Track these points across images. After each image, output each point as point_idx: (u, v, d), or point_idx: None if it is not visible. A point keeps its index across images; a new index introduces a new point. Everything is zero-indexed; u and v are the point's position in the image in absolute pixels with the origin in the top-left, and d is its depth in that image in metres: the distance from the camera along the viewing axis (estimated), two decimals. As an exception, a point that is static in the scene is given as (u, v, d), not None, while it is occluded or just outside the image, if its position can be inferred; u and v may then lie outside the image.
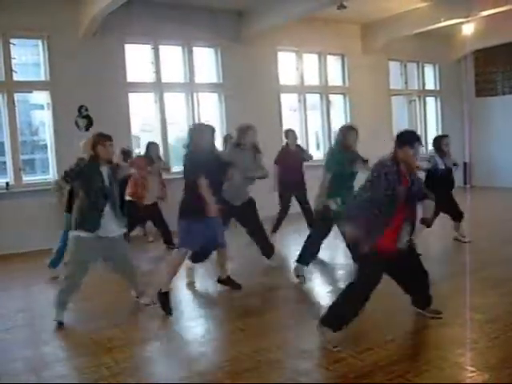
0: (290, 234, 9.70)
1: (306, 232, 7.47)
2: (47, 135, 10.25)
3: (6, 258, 8.72)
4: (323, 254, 7.47)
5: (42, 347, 5.07)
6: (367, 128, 12.80)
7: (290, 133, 9.57)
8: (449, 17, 12.16)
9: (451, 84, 16.08)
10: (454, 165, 8.52)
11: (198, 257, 6.87)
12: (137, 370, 4.39)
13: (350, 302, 4.66)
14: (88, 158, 5.60)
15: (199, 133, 6.04)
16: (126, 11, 9.68)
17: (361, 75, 13.83)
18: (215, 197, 5.90)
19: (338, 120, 13.76)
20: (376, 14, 12.73)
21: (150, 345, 5.00)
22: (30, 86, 10.18)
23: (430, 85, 15.93)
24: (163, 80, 11.21)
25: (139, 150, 10.85)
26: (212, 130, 6.14)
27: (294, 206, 9.38)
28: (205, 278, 7.11)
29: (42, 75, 10.03)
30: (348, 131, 6.74)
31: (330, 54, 13.57)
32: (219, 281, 6.60)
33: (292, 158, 9.26)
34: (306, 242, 7.00)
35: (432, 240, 8.90)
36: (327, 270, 7.67)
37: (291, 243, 9.23)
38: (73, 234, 5.61)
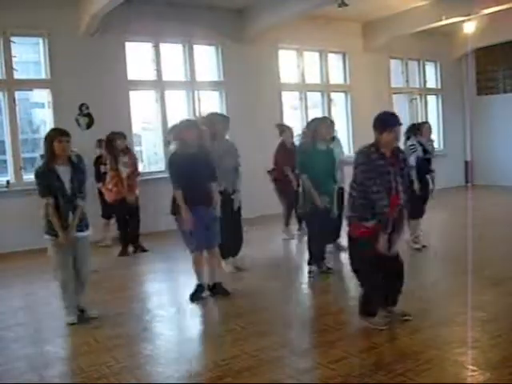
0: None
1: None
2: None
3: (6, 257, 8.71)
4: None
5: (44, 346, 5.06)
6: (369, 126, 12.78)
7: (286, 129, 9.44)
8: (450, 15, 12.14)
9: (452, 82, 16.06)
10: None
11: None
12: (137, 368, 4.39)
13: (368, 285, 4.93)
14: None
15: (183, 130, 5.99)
16: (126, 9, 9.66)
17: (362, 73, 13.82)
18: (204, 192, 5.94)
19: (340, 118, 13.75)
20: (377, 12, 12.70)
21: (150, 343, 5.00)
22: (30, 84, 10.20)
23: (431, 83, 15.91)
24: (164, 78, 11.20)
25: (140, 147, 10.86)
26: (196, 125, 6.11)
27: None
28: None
29: (42, 73, 10.02)
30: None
31: (331, 52, 13.56)
32: (209, 289, 6.29)
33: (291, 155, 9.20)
34: (308, 244, 7.04)
35: (432, 239, 8.88)
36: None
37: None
38: None
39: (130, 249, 8.93)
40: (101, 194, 9.09)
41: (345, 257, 7.90)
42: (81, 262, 5.62)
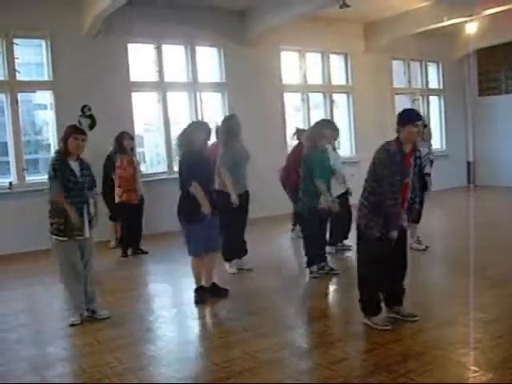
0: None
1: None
2: (50, 135, 10.26)
3: (9, 258, 8.73)
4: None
5: (46, 347, 5.08)
6: (371, 127, 12.83)
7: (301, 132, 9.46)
8: (452, 16, 12.13)
9: (454, 83, 16.05)
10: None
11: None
12: (140, 369, 4.40)
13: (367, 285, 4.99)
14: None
15: (194, 131, 6.02)
16: (128, 11, 9.67)
17: (364, 74, 13.82)
18: (210, 195, 5.99)
19: (342, 119, 13.77)
20: (379, 12, 12.70)
21: (153, 344, 5.01)
22: (33, 86, 10.21)
23: (434, 84, 15.90)
24: (166, 79, 11.22)
25: (143, 149, 10.86)
26: (208, 127, 6.18)
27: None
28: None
29: (45, 75, 10.04)
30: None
31: (333, 53, 13.55)
32: (207, 291, 6.30)
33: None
34: (305, 246, 7.10)
35: (434, 240, 8.88)
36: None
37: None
38: None
39: (130, 251, 8.92)
40: (106, 195, 9.07)
41: (347, 256, 7.96)
42: (87, 262, 5.66)
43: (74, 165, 5.54)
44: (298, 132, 9.26)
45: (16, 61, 9.64)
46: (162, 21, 10.59)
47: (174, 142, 10.60)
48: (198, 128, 6.10)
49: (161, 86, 11.16)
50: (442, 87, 15.98)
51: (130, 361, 4.56)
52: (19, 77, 9.72)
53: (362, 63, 13.82)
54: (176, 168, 10.22)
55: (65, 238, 5.45)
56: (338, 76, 13.82)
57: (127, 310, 5.98)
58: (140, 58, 11.07)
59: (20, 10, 9.34)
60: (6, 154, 9.89)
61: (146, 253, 8.87)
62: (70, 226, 5.43)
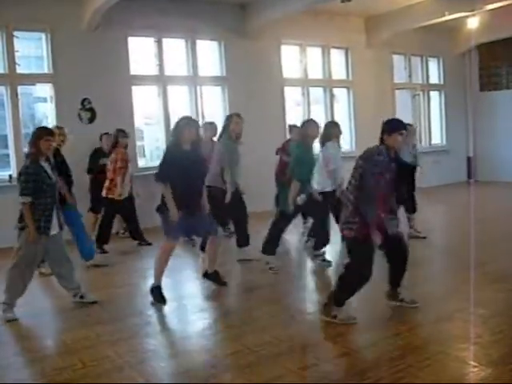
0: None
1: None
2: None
3: (8, 251, 8.70)
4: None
5: (44, 340, 5.09)
6: (371, 122, 12.79)
7: (294, 129, 9.51)
8: (453, 10, 12.12)
9: (455, 78, 16.02)
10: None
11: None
12: (140, 363, 4.40)
13: (348, 285, 5.02)
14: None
15: (179, 128, 5.92)
16: (129, 4, 9.66)
17: (364, 69, 13.80)
18: (198, 192, 5.96)
19: (342, 114, 13.76)
20: (380, 7, 12.68)
21: (153, 338, 5.01)
22: (33, 79, 10.19)
23: (434, 79, 15.88)
24: (166, 73, 11.20)
25: (142, 142, 10.85)
26: (196, 124, 6.06)
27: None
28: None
29: (45, 68, 10.02)
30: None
31: (333, 47, 13.53)
32: (205, 275, 6.41)
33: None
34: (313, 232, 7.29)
35: (434, 234, 8.89)
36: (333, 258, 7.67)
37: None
38: None
39: (135, 242, 9.01)
40: (92, 186, 9.10)
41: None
42: (61, 257, 5.80)
43: (46, 166, 5.62)
44: (290, 128, 9.33)
45: (16, 54, 9.62)
46: (163, 14, 10.56)
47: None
48: (187, 124, 5.95)
49: (161, 80, 11.14)
50: (442, 82, 15.95)
51: (130, 355, 4.56)
52: (19, 70, 9.70)
53: (362, 58, 13.79)
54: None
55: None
56: (339, 70, 13.80)
57: (126, 304, 5.98)
58: (140, 52, 11.06)
59: (20, 3, 9.32)
60: (6, 146, 9.88)
61: (149, 244, 8.84)
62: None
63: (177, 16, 10.75)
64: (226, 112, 11.71)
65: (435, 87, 15.87)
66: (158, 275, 5.97)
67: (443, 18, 12.35)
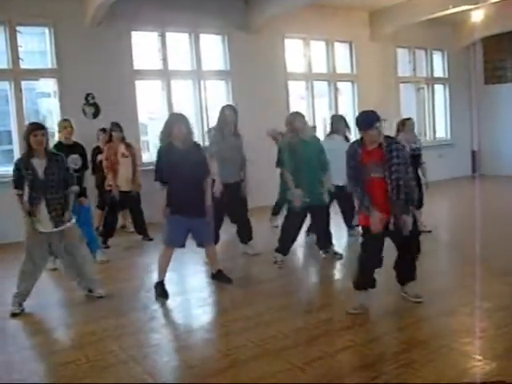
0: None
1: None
2: (54, 123, 10.24)
3: (14, 246, 8.72)
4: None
5: (50, 335, 5.10)
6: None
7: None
8: (458, 3, 12.05)
9: (460, 71, 15.96)
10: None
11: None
12: (144, 357, 4.40)
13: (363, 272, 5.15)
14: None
15: (168, 125, 5.83)
16: (132, -2, 9.65)
17: (369, 62, 13.75)
18: (195, 193, 5.83)
19: (346, 107, 13.73)
20: (384, 0, 12.63)
21: (157, 333, 5.02)
22: (36, 74, 10.18)
23: (439, 72, 15.81)
24: (170, 67, 11.18)
25: (146, 137, 10.85)
26: (186, 120, 5.89)
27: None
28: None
29: (48, 63, 10.01)
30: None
31: (337, 41, 13.49)
32: (212, 276, 6.42)
33: None
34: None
35: (439, 229, 8.87)
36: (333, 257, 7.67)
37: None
38: None
39: (139, 237, 8.99)
40: (97, 182, 9.08)
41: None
42: (64, 253, 5.79)
43: (39, 164, 5.56)
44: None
45: (19, 49, 9.62)
46: (166, 8, 10.54)
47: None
48: (178, 120, 5.85)
49: (165, 74, 11.12)
50: (447, 76, 15.89)
51: (134, 349, 4.57)
52: (23, 65, 9.70)
53: (366, 51, 13.74)
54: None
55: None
56: (343, 64, 13.76)
57: (131, 299, 5.98)
58: (144, 46, 11.04)
59: (23, -2, 9.33)
60: (10, 142, 9.89)
61: (151, 239, 8.84)
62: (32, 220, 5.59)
63: (180, 10, 10.73)
64: (229, 106, 11.72)
65: (439, 81, 15.81)
66: (161, 272, 5.99)
67: (448, 11, 12.29)
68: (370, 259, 5.08)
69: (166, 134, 5.81)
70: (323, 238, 7.17)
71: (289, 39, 12.63)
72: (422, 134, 15.34)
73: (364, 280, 5.15)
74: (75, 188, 5.85)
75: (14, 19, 9.46)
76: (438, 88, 15.84)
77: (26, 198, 5.56)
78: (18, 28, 9.56)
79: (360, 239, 5.32)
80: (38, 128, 5.62)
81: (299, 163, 6.66)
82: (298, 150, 6.67)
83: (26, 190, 5.55)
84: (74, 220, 5.79)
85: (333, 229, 7.40)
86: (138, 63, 10.76)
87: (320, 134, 13.14)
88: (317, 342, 4.57)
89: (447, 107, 15.93)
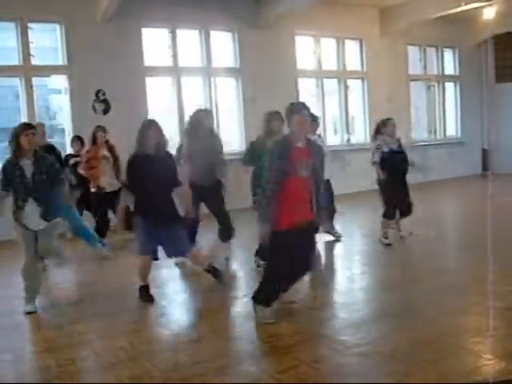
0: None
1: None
2: (65, 119, 10.29)
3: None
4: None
5: (61, 330, 5.10)
6: (385, 113, 12.72)
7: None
8: (470, 0, 11.98)
9: (471, 69, 15.89)
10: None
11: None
12: (153, 353, 4.41)
13: (271, 280, 4.90)
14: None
15: (141, 131, 5.71)
16: (143, -5, 9.66)
17: (379, 60, 13.71)
18: (165, 201, 5.69)
19: (356, 105, 13.70)
20: (395, -3, 12.60)
21: (166, 329, 5.03)
22: (47, 71, 10.25)
23: (450, 70, 15.74)
24: (180, 64, 11.20)
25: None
26: (156, 125, 5.80)
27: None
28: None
29: (59, 59, 10.06)
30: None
31: (347, 38, 13.46)
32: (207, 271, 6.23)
33: None
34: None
35: (449, 228, 8.84)
36: (345, 255, 7.67)
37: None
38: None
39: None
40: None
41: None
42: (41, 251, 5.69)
43: (27, 165, 5.50)
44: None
45: (31, 45, 9.66)
46: (177, 5, 10.54)
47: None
48: (149, 127, 5.74)
49: (175, 71, 11.14)
50: (458, 73, 15.82)
51: (144, 345, 4.58)
52: (34, 61, 9.75)
53: (377, 49, 13.71)
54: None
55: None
56: (353, 62, 13.73)
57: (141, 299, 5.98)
58: (154, 43, 11.06)
59: (35, -6, 9.36)
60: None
61: None
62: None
63: (191, 7, 10.72)
64: (239, 103, 11.74)
65: (450, 78, 15.74)
66: (143, 278, 5.84)
67: (459, 8, 12.23)
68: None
69: (139, 141, 5.67)
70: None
71: (299, 36, 12.63)
72: (432, 131, 15.31)
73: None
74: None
75: (25, 16, 9.50)
76: (449, 86, 15.78)
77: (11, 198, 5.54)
78: (29, 24, 9.60)
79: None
80: (28, 128, 5.57)
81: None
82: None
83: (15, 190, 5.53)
84: (59, 219, 5.76)
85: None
86: (149, 60, 10.78)
87: (329, 133, 13.21)
88: (325, 340, 4.56)
89: (458, 105, 15.87)
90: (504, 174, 14.85)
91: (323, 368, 4.01)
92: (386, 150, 7.75)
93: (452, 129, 15.90)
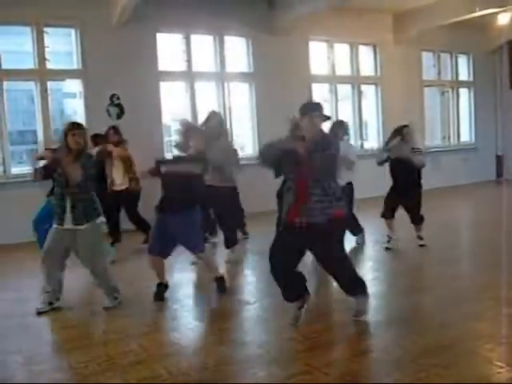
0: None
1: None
2: (79, 123, 10.34)
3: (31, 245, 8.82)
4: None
5: (71, 332, 5.12)
6: (399, 119, 12.70)
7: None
8: (484, 6, 11.95)
9: (485, 75, 15.82)
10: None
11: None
12: (164, 357, 4.42)
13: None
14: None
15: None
16: (158, 1, 9.70)
17: (393, 66, 13.69)
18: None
19: (370, 111, 13.69)
20: (409, 3, 12.56)
21: (178, 332, 5.04)
22: (62, 75, 10.34)
23: (464, 76, 15.69)
24: (194, 69, 11.25)
25: (169, 138, 10.85)
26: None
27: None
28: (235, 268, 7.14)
29: (74, 64, 10.14)
30: None
31: (361, 44, 13.47)
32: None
33: None
34: None
35: (465, 233, 8.79)
36: (356, 261, 7.65)
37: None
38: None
39: None
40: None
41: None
42: (80, 256, 5.69)
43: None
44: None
45: (46, 49, 9.75)
46: (191, 11, 10.59)
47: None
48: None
49: (189, 76, 11.19)
50: (472, 79, 15.76)
51: (155, 348, 4.59)
52: (49, 65, 9.84)
53: (390, 54, 13.69)
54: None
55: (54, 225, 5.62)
56: (367, 67, 13.72)
57: (152, 299, 6.00)
58: (169, 48, 11.12)
59: (50, 0, 9.43)
60: (36, 142, 10.00)
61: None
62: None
63: (205, 12, 10.77)
64: (252, 108, 11.76)
65: (464, 84, 15.68)
66: (158, 276, 6.01)
67: (473, 14, 12.18)
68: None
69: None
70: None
71: (313, 42, 12.64)
72: (446, 137, 15.26)
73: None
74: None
75: (41, 20, 9.60)
76: (463, 92, 15.73)
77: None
78: (45, 29, 9.70)
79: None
80: (75, 127, 5.58)
81: None
82: None
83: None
84: (89, 224, 5.62)
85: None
86: (163, 64, 10.84)
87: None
88: (336, 345, 4.57)
89: (472, 111, 15.80)
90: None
91: (334, 373, 4.00)
92: (387, 156, 7.77)
93: (466, 135, 15.83)
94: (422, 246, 7.80)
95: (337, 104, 13.05)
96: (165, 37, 10.98)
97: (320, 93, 13.13)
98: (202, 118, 10.64)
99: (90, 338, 4.99)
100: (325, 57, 12.95)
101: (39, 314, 5.56)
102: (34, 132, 9.99)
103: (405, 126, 7.89)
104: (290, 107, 11.73)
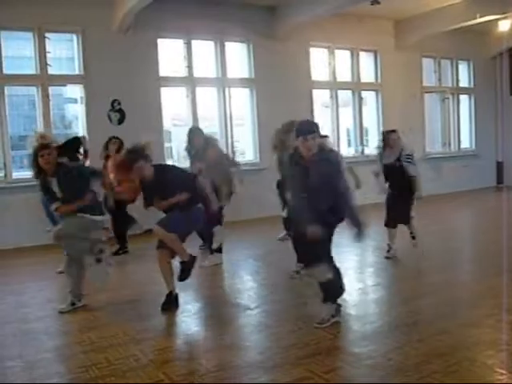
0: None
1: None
2: (80, 129, 10.37)
3: (43, 249, 8.82)
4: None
5: (72, 337, 5.13)
6: (399, 125, 12.73)
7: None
8: (485, 13, 11.98)
9: (485, 82, 15.84)
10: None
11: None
12: (165, 362, 4.41)
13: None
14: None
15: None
16: (159, 6, 9.73)
17: (393, 72, 13.72)
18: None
19: (371, 117, 13.70)
20: (410, 10, 12.59)
21: (178, 338, 5.04)
22: (64, 80, 10.37)
23: (464, 82, 15.71)
24: (195, 75, 11.27)
25: (170, 144, 10.91)
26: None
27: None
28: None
29: (76, 69, 10.16)
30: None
31: (362, 50, 13.49)
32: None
33: None
34: None
35: (465, 239, 8.78)
36: (357, 267, 7.65)
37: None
38: None
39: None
40: None
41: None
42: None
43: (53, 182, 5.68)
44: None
45: (48, 55, 9.78)
46: (192, 16, 10.63)
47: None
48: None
49: (190, 81, 11.21)
50: (472, 86, 15.78)
51: (155, 354, 4.59)
52: (50, 71, 9.85)
53: (391, 61, 13.72)
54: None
55: None
56: (368, 73, 13.74)
57: (152, 304, 6.00)
58: (170, 53, 11.15)
59: (52, 5, 9.47)
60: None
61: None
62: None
63: (206, 18, 10.81)
64: (253, 114, 11.78)
65: (465, 91, 15.71)
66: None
67: (474, 21, 12.21)
68: None
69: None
70: None
71: (313, 48, 12.66)
72: (446, 144, 15.28)
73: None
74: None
75: (43, 26, 9.62)
76: (464, 98, 15.74)
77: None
78: (46, 34, 9.72)
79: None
80: (43, 148, 5.64)
81: None
82: None
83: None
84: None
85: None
86: (164, 70, 10.87)
87: (342, 145, 13.22)
88: (337, 351, 4.56)
89: (472, 118, 15.82)
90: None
91: (334, 379, 3.99)
92: (383, 162, 7.78)
93: (466, 141, 15.84)
94: (414, 245, 7.81)
95: (337, 110, 13.06)
96: (166, 42, 11.02)
97: (321, 99, 13.16)
98: (202, 124, 10.77)
99: (90, 342, 4.99)
100: (326, 63, 12.97)
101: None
102: (35, 137, 9.99)
103: (391, 132, 7.87)
104: (290, 113, 11.87)
